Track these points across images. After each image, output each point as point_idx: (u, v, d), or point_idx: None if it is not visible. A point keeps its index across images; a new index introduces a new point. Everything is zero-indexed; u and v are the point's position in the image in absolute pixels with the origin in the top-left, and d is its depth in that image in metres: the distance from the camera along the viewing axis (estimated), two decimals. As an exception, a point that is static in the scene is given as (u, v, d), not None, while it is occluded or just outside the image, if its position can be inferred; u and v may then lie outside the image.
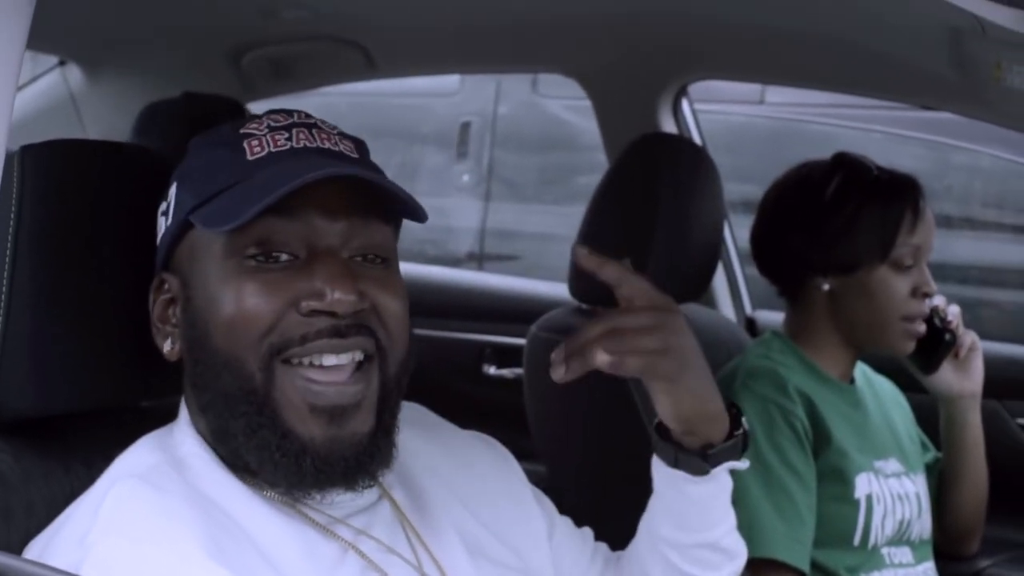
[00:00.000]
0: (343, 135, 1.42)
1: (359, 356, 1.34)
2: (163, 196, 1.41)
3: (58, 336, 1.40)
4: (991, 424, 2.74)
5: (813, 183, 2.35)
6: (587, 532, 1.68)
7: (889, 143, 4.90)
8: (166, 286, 1.40)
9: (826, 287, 2.33)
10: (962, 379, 2.45)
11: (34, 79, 3.23)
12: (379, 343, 1.35)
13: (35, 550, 1.32)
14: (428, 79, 5.64)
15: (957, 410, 2.46)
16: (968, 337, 2.44)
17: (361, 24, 2.90)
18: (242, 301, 1.32)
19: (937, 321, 2.39)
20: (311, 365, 1.32)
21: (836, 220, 2.31)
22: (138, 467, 1.34)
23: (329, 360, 1.32)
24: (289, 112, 1.41)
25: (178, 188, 1.39)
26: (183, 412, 1.42)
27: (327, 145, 1.39)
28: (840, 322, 2.34)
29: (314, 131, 1.39)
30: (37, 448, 1.42)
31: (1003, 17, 1.69)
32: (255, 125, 1.39)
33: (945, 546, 2.49)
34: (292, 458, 1.31)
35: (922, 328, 2.33)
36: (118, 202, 1.47)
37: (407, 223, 1.44)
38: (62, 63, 3.18)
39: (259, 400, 1.31)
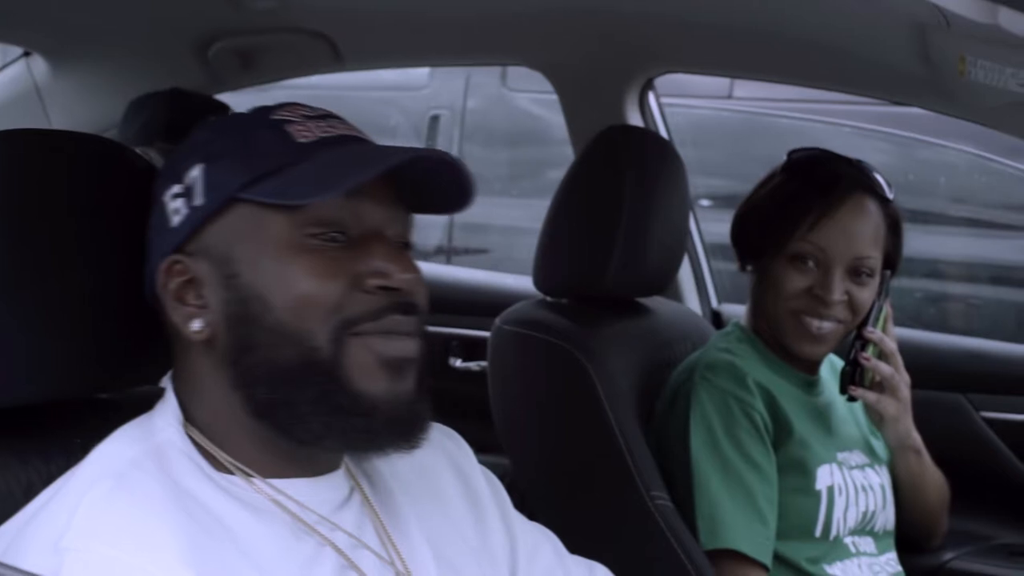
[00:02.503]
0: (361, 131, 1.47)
1: (412, 331, 1.39)
2: (171, 179, 1.41)
3: (17, 327, 1.39)
4: (955, 418, 2.75)
5: (768, 175, 2.41)
6: (544, 542, 1.66)
7: (856, 138, 4.93)
8: (179, 267, 1.39)
9: (748, 270, 2.39)
10: (880, 432, 2.40)
11: (-1, 69, 3.21)
12: (421, 320, 1.41)
13: (0, 543, 1.29)
14: (397, 73, 5.65)
15: (891, 450, 2.44)
16: (871, 397, 2.31)
17: (328, 16, 2.89)
18: (309, 278, 1.35)
19: (853, 350, 2.32)
20: (378, 335, 1.36)
21: (757, 208, 2.37)
22: (117, 462, 1.33)
23: (392, 337, 1.37)
24: (312, 106, 1.45)
25: (209, 169, 1.39)
26: (169, 396, 1.41)
27: (363, 136, 1.44)
28: (761, 312, 2.36)
29: (342, 123, 1.44)
30: (-7, 440, 1.41)
31: (967, 8, 1.70)
32: (286, 113, 1.42)
33: (908, 539, 2.49)
34: (364, 417, 1.35)
35: (819, 330, 2.28)
36: (81, 192, 1.45)
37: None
38: (27, 54, 3.16)
39: (327, 369, 1.34)
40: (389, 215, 1.41)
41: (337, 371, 1.35)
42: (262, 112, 1.43)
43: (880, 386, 2.32)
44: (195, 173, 1.39)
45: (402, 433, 1.39)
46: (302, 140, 1.38)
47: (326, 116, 1.43)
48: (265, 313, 1.35)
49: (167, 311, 1.40)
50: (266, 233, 1.36)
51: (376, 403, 1.35)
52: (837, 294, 2.26)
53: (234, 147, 1.39)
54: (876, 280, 2.31)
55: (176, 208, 1.40)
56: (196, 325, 1.38)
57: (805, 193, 2.30)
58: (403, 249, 1.41)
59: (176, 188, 1.40)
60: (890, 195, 2.34)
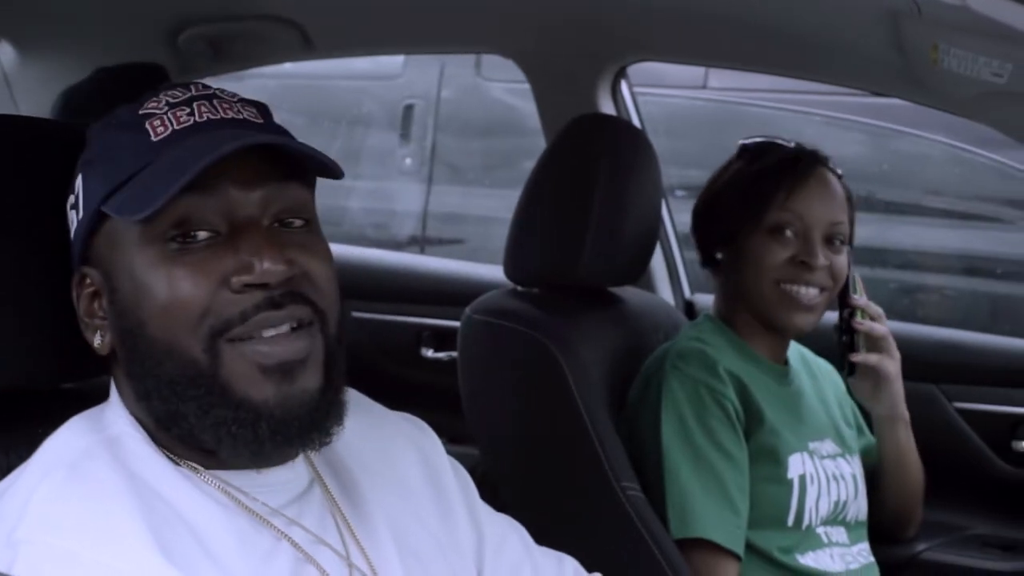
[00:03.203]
0: (245, 101, 1.39)
1: (294, 324, 1.32)
2: (69, 189, 1.38)
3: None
4: (928, 408, 2.75)
5: (724, 165, 2.43)
6: (512, 535, 1.65)
7: (831, 128, 4.94)
8: (87, 280, 1.36)
9: (719, 257, 2.38)
10: (873, 402, 2.42)
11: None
12: (315, 307, 1.34)
13: None
14: (371, 61, 5.63)
15: (876, 425, 2.46)
16: (872, 358, 2.36)
17: (298, 3, 2.88)
18: (173, 287, 1.29)
19: (842, 319, 2.36)
20: (253, 338, 1.30)
21: (724, 192, 2.38)
22: (69, 451, 1.32)
23: (268, 333, 1.30)
24: (187, 85, 1.38)
25: (84, 178, 1.35)
26: (114, 395, 1.39)
27: (230, 115, 1.35)
28: (737, 295, 2.36)
29: (215, 102, 1.36)
30: (-46, 430, 1.39)
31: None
32: (154, 104, 1.35)
33: (882, 530, 2.49)
34: (249, 427, 1.30)
35: (807, 298, 2.29)
36: (41, 179, 1.43)
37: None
38: (-7, 39, 3.14)
39: (207, 380, 1.30)
40: (265, 197, 1.33)
41: (217, 381, 1.30)
42: (131, 108, 1.37)
43: (876, 348, 2.36)
44: (78, 183, 1.36)
45: (300, 435, 1.33)
46: (157, 138, 1.32)
47: (194, 99, 1.35)
48: (140, 327, 1.31)
49: (81, 325, 1.38)
50: (130, 243, 1.32)
51: (261, 411, 1.30)
52: (821, 258, 2.28)
53: (99, 155, 1.35)
54: (847, 248, 2.35)
55: (72, 219, 1.38)
56: (96, 340, 1.37)
57: (774, 168, 2.33)
58: (284, 231, 1.34)
59: (71, 198, 1.38)
60: (839, 172, 2.39)
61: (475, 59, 5.78)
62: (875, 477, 2.46)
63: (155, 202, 1.26)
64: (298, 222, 1.36)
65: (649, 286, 3.03)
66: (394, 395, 1.67)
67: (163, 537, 1.26)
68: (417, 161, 5.85)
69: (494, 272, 3.16)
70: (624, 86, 3.02)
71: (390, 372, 3.17)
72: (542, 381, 2.28)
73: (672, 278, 3.15)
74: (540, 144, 2.91)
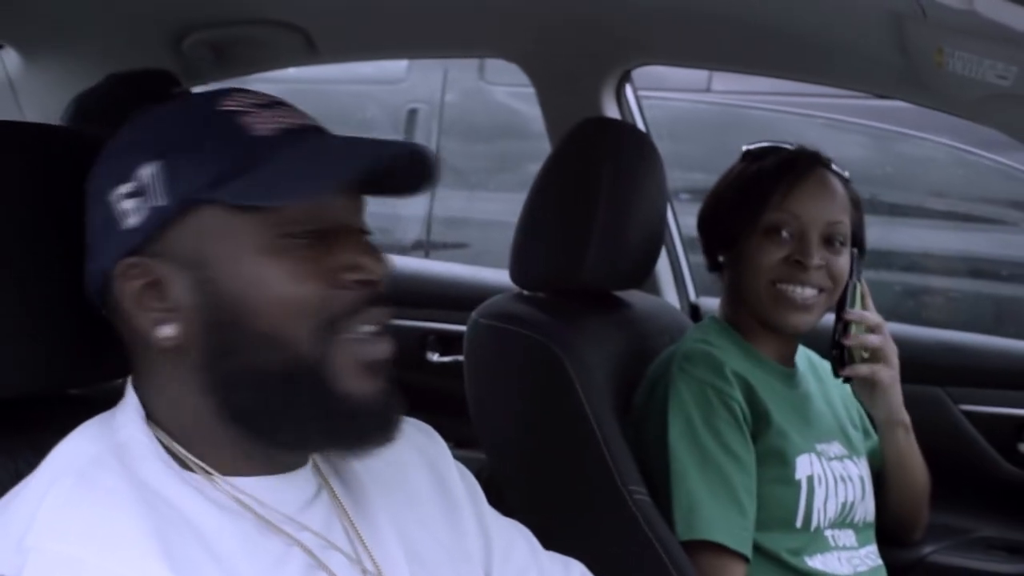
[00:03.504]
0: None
1: (385, 324, 1.37)
2: (115, 177, 1.35)
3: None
4: (934, 411, 2.75)
5: (728, 170, 2.44)
6: (520, 540, 1.65)
7: (835, 131, 4.94)
8: (138, 270, 1.33)
9: (721, 260, 2.40)
10: (872, 408, 2.43)
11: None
12: None
13: None
14: (375, 66, 5.64)
15: (877, 428, 2.46)
16: (863, 370, 2.35)
17: (302, 7, 2.88)
18: (287, 281, 1.31)
19: (837, 331, 2.35)
20: (356, 336, 1.33)
21: (724, 196, 2.39)
22: (78, 459, 1.31)
23: (367, 328, 1.34)
24: (257, 92, 1.40)
25: (166, 167, 1.32)
26: (130, 395, 1.38)
27: (309, 121, 1.39)
28: (739, 297, 2.37)
29: (296, 111, 1.39)
30: (-39, 436, 1.39)
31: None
32: (234, 102, 1.36)
33: (888, 533, 2.49)
34: (351, 419, 1.34)
35: (803, 298, 2.29)
36: (52, 185, 1.43)
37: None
38: (-1, 46, 3.15)
39: (314, 372, 1.32)
40: (348, 204, 1.37)
41: (323, 373, 1.32)
42: (208, 101, 1.36)
43: (872, 358, 2.35)
44: (149, 171, 1.33)
45: (383, 430, 1.37)
46: (260, 133, 1.33)
47: (275, 103, 1.38)
48: (245, 318, 1.31)
49: (127, 316, 1.35)
50: (239, 236, 1.31)
51: (360, 404, 1.33)
52: (816, 258, 2.28)
53: (189, 142, 1.33)
54: (848, 250, 2.34)
55: (129, 208, 1.33)
56: (166, 331, 1.33)
57: (771, 170, 2.34)
58: (367, 238, 1.39)
59: (125, 187, 1.34)
60: (846, 175, 2.39)
61: (479, 63, 5.79)
62: (880, 479, 2.46)
63: (312, 191, 1.30)
64: (365, 233, 1.40)
65: (654, 290, 3.04)
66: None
67: (170, 545, 1.26)
68: (422, 165, 5.84)
69: (499, 276, 3.16)
70: (628, 90, 3.02)
71: (395, 376, 3.17)
72: (548, 385, 2.28)
73: (677, 282, 3.16)
74: (544, 148, 2.91)
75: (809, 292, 2.30)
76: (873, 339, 2.34)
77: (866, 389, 2.38)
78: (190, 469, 1.35)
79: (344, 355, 1.32)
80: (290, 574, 1.34)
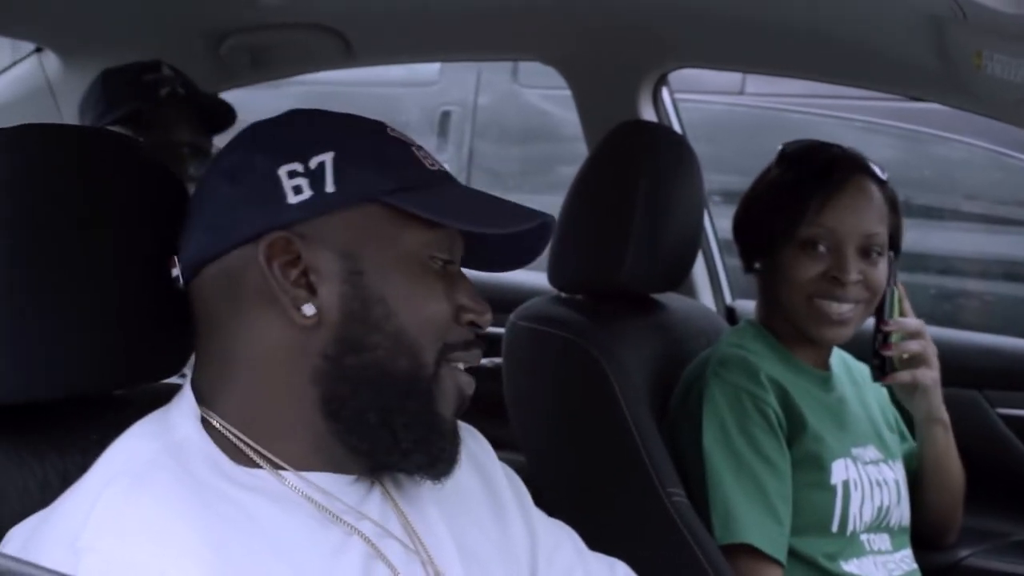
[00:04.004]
0: None
1: None
2: (287, 155, 1.38)
3: (31, 324, 1.38)
4: (970, 414, 2.74)
5: (764, 171, 2.41)
6: (566, 540, 1.66)
7: (869, 133, 4.92)
8: (288, 245, 1.36)
9: (757, 267, 2.38)
10: (911, 407, 2.41)
11: (10, 65, 3.20)
12: None
13: (15, 543, 1.29)
14: (408, 69, 5.64)
15: (916, 427, 2.45)
16: (907, 375, 2.34)
17: (340, 11, 2.89)
18: (434, 300, 1.39)
19: (877, 340, 2.34)
20: (462, 368, 1.43)
21: (758, 202, 2.37)
22: (135, 459, 1.33)
23: (464, 365, 1.44)
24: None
25: (343, 160, 1.38)
26: (187, 394, 1.40)
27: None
28: (775, 304, 2.36)
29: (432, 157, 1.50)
30: (8, 436, 1.40)
31: (989, -1, 1.69)
32: (397, 133, 1.46)
33: (923, 537, 2.49)
34: (445, 439, 1.42)
35: (839, 314, 2.28)
36: (95, 187, 1.44)
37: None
38: (39, 50, 3.16)
39: (427, 387, 1.39)
40: (460, 251, 1.45)
41: (433, 391, 1.40)
42: (376, 123, 1.45)
43: (912, 362, 2.34)
44: (324, 159, 1.37)
45: (453, 458, 1.44)
46: (431, 167, 1.43)
47: (419, 145, 1.47)
48: (387, 319, 1.37)
49: (254, 289, 1.37)
50: (399, 243, 1.38)
51: (449, 429, 1.42)
52: (853, 274, 2.26)
53: (369, 149, 1.40)
54: (885, 257, 2.32)
55: (296, 186, 1.37)
56: (309, 310, 1.37)
57: (806, 179, 2.31)
58: None
59: (296, 166, 1.37)
60: (884, 177, 2.36)
61: (511, 65, 5.79)
62: (916, 481, 2.46)
63: (493, 227, 1.41)
64: None
65: (691, 292, 3.03)
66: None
67: (227, 543, 1.27)
68: (455, 167, 5.85)
69: (533, 278, 3.17)
70: (665, 92, 3.02)
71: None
72: (587, 387, 2.28)
73: (714, 284, 3.15)
74: (576, 150, 2.91)
75: (846, 307, 2.28)
76: (913, 345, 2.33)
77: (907, 391, 2.38)
78: (251, 462, 1.36)
79: (447, 381, 1.41)
80: (350, 562, 1.35)
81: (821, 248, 2.28)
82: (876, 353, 2.34)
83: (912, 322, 2.34)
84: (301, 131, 1.42)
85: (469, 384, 1.44)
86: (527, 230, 1.43)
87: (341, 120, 1.45)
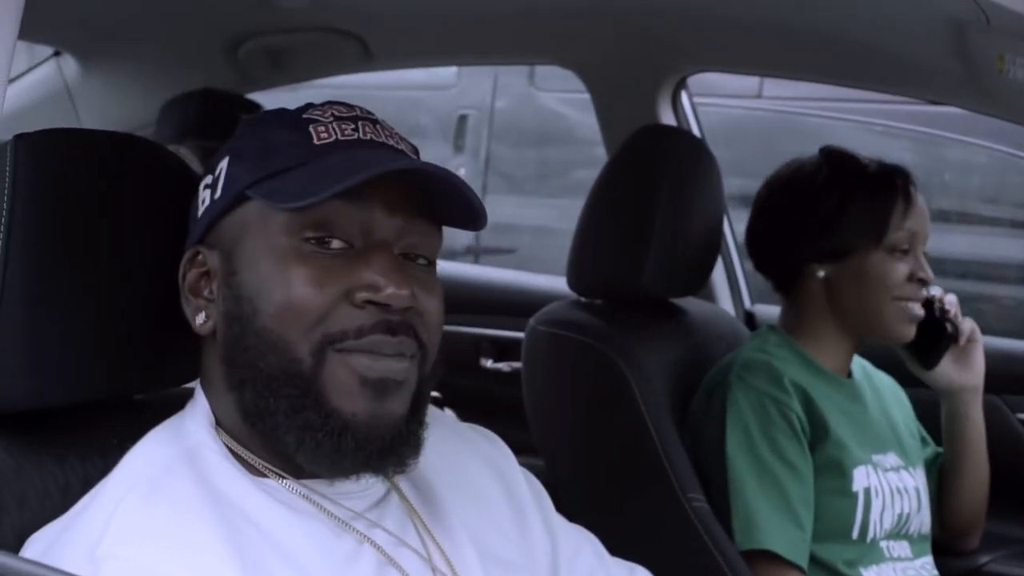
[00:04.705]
0: (402, 137, 1.43)
1: (400, 355, 1.34)
2: (207, 170, 1.41)
3: (52, 328, 1.38)
4: (991, 419, 2.73)
5: (803, 176, 2.39)
6: (586, 543, 1.65)
7: (886, 137, 4.91)
8: (200, 258, 1.39)
9: (821, 274, 2.36)
10: (962, 372, 2.44)
11: (28, 70, 3.21)
12: (420, 343, 1.36)
13: (37, 547, 1.29)
14: (425, 72, 5.65)
15: (958, 404, 2.45)
16: (967, 325, 2.43)
17: (359, 14, 2.89)
18: (298, 286, 1.31)
19: (936, 311, 2.38)
20: (362, 352, 1.32)
21: (826, 208, 2.34)
22: (151, 466, 1.33)
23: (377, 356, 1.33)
24: (351, 105, 1.42)
25: (231, 163, 1.38)
26: (199, 397, 1.40)
27: (391, 142, 1.40)
28: (837, 311, 2.36)
29: (378, 126, 1.40)
30: (29, 441, 1.39)
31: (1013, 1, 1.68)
32: (319, 112, 1.39)
33: (945, 542, 2.48)
34: (334, 437, 1.31)
35: (920, 311, 2.34)
36: (115, 192, 1.44)
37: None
38: (57, 53, 3.16)
39: (305, 382, 1.31)
40: (402, 226, 1.36)
41: (314, 385, 1.31)
42: (297, 110, 1.41)
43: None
44: (222, 165, 1.39)
45: (379, 456, 1.33)
46: (319, 142, 1.36)
47: (359, 118, 1.40)
48: (254, 315, 1.33)
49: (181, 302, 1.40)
50: (267, 233, 1.34)
51: (349, 423, 1.31)
52: (931, 272, 2.34)
53: (255, 143, 1.38)
54: None
55: (203, 199, 1.40)
56: (200, 318, 1.38)
57: (885, 186, 2.34)
58: (408, 263, 1.36)
59: (208, 179, 1.40)
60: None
61: (528, 69, 5.79)
62: (944, 478, 2.47)
63: (315, 195, 1.29)
64: (422, 260, 1.39)
65: (710, 297, 3.03)
66: (454, 405, 1.68)
67: (242, 550, 1.27)
68: (471, 171, 5.86)
69: (551, 282, 3.17)
70: (684, 96, 3.01)
71: (449, 383, 3.17)
72: (607, 392, 2.28)
73: (733, 289, 3.14)
74: (592, 154, 2.91)
75: (919, 306, 2.35)
76: (952, 296, 2.43)
77: (957, 358, 2.43)
78: (260, 472, 1.36)
79: (340, 371, 1.31)
80: (362, 571, 1.34)
81: (905, 251, 2.33)
82: (936, 322, 2.39)
83: (950, 295, 2.44)
84: (225, 143, 1.42)
85: (371, 367, 1.31)
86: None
87: (256, 120, 1.44)
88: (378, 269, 1.31)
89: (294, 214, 1.32)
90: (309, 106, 1.41)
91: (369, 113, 1.42)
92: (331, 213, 1.32)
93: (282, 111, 1.42)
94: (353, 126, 1.38)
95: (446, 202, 1.37)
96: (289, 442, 1.32)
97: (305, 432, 1.31)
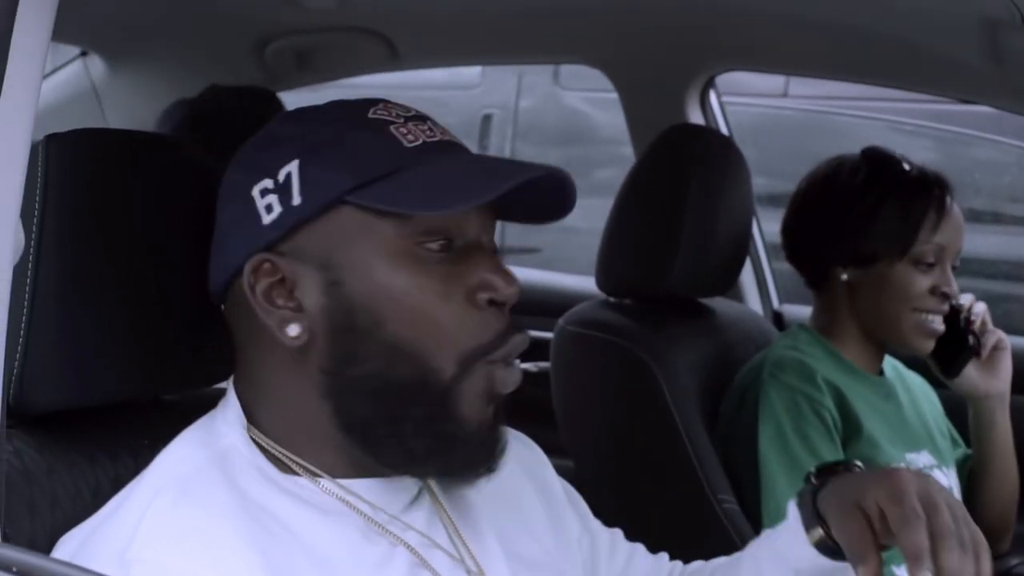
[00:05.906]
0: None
1: None
2: (259, 172, 1.34)
3: (84, 329, 1.38)
4: (1018, 420, 2.72)
5: (841, 175, 2.38)
6: (617, 533, 1.65)
7: (912, 136, 4.89)
8: (267, 266, 1.33)
9: (844, 277, 2.36)
10: (988, 379, 2.42)
11: (55, 70, 3.21)
12: None
13: (68, 549, 1.29)
14: (449, 72, 5.64)
15: (984, 410, 2.44)
16: (993, 337, 2.41)
17: (385, 14, 2.88)
18: (430, 297, 1.30)
19: (961, 321, 2.36)
20: (503, 363, 1.32)
21: (857, 212, 2.34)
22: (181, 469, 1.32)
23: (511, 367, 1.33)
24: (400, 104, 1.39)
25: (306, 165, 1.32)
26: (231, 397, 1.38)
27: (456, 140, 1.38)
28: (859, 314, 2.36)
29: (440, 127, 1.38)
30: (61, 441, 1.39)
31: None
32: (383, 111, 1.35)
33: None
34: (461, 444, 1.32)
35: (939, 326, 2.33)
36: (145, 191, 1.44)
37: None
38: (84, 54, 3.17)
39: (443, 392, 1.30)
40: (484, 223, 1.35)
41: (451, 396, 1.30)
42: (356, 108, 1.37)
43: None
44: (290, 168, 1.32)
45: (489, 459, 1.35)
46: (409, 145, 1.32)
47: (422, 117, 1.37)
48: (377, 326, 1.30)
49: (253, 313, 1.34)
50: (374, 241, 1.31)
51: (473, 430, 1.32)
52: (956, 287, 2.32)
53: (332, 144, 1.33)
54: None
55: (267, 204, 1.33)
56: (293, 330, 1.32)
57: (919, 196, 2.32)
58: (500, 258, 1.36)
59: (267, 183, 1.33)
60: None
61: (553, 68, 5.78)
62: (973, 481, 2.46)
63: (458, 203, 1.28)
64: (497, 253, 1.39)
65: (738, 297, 3.02)
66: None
67: (271, 555, 1.26)
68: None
69: (579, 282, 3.16)
70: (712, 96, 3.00)
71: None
72: (637, 393, 2.28)
73: (761, 289, 3.13)
74: (616, 154, 2.91)
75: (940, 319, 2.34)
76: (981, 304, 2.40)
77: (992, 363, 2.42)
78: (293, 472, 1.35)
79: (479, 382, 1.31)
80: (394, 574, 1.33)
81: (930, 263, 2.32)
82: (962, 332, 2.37)
83: (979, 304, 2.42)
84: (272, 141, 1.37)
85: (504, 381, 1.32)
86: (545, 183, 1.33)
87: (318, 117, 1.38)
88: (488, 267, 1.31)
89: (405, 222, 1.30)
90: (368, 103, 1.37)
91: (423, 112, 1.39)
92: (437, 218, 1.31)
93: (339, 108, 1.38)
94: (427, 126, 1.35)
95: (535, 198, 1.36)
96: (415, 451, 1.32)
97: (439, 440, 1.31)
